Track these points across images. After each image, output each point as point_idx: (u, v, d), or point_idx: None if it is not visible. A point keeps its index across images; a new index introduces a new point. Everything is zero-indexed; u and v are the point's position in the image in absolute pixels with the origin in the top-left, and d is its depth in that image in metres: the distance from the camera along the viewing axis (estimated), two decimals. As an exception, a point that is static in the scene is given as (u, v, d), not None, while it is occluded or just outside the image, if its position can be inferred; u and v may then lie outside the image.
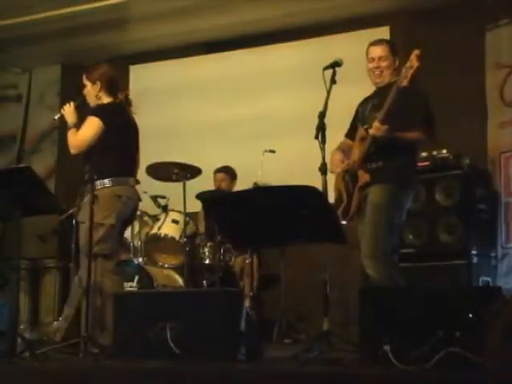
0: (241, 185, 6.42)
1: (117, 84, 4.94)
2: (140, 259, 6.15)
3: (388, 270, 4.26)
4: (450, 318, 3.13)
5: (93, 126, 4.68)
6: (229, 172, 6.71)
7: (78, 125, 4.74)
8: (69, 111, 4.79)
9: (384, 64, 4.56)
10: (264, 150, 6.24)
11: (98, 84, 4.82)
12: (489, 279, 5.73)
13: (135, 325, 3.79)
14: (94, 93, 4.84)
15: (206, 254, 6.20)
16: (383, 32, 7.07)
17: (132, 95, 8.19)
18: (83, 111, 4.85)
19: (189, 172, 5.96)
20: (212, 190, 6.37)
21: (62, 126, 8.33)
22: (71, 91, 8.31)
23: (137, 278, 5.91)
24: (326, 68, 4.33)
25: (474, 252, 5.59)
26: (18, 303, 4.66)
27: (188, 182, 5.95)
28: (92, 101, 4.87)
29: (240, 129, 7.49)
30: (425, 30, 6.72)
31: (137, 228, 6.20)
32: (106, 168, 4.64)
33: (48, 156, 8.40)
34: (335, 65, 4.33)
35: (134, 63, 8.22)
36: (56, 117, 4.93)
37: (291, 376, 3.15)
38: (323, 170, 4.15)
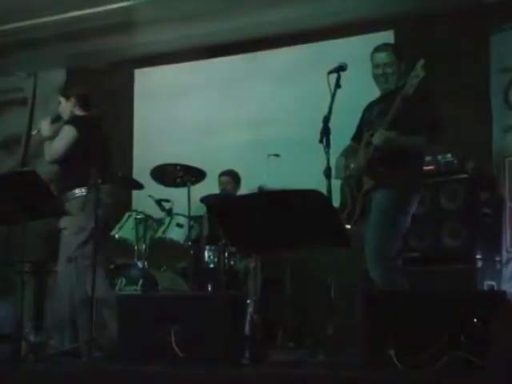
0: (245, 189, 6.42)
1: (90, 100, 5.26)
2: (144, 263, 6.14)
3: (392, 274, 4.26)
4: (454, 322, 3.12)
5: (66, 134, 4.97)
6: (233, 175, 6.71)
7: (53, 137, 5.07)
8: (44, 126, 5.11)
9: (390, 70, 4.57)
10: (268, 153, 6.24)
11: (72, 100, 5.14)
12: (493, 283, 5.71)
13: (139, 328, 3.79)
14: (68, 108, 5.15)
15: (211, 257, 6.20)
16: (388, 36, 7.06)
17: (136, 99, 8.29)
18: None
19: (193, 175, 5.96)
20: (216, 194, 6.37)
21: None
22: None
23: (141, 281, 5.91)
24: (330, 72, 4.33)
25: (478, 256, 5.58)
26: (22, 306, 4.67)
27: (192, 185, 5.96)
28: (66, 115, 5.16)
29: (244, 132, 7.49)
30: (429, 33, 6.72)
31: (141, 232, 6.21)
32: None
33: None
34: (340, 69, 4.33)
35: (138, 67, 8.23)
36: (33, 132, 5.35)
37: (295, 380, 3.15)
38: (327, 173, 4.15)
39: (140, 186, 6.31)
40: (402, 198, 4.37)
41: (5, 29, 7.46)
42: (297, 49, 7.48)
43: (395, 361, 3.10)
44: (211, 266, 6.18)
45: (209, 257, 6.20)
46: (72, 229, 4.89)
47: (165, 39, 7.62)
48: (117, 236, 6.15)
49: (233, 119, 7.60)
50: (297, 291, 5.61)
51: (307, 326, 5.49)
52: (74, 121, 5.03)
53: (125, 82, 8.16)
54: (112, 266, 5.91)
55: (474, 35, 6.56)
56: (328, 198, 4.00)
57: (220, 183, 6.69)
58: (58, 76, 8.50)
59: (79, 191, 4.91)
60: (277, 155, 6.24)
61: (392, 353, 3.12)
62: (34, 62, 8.26)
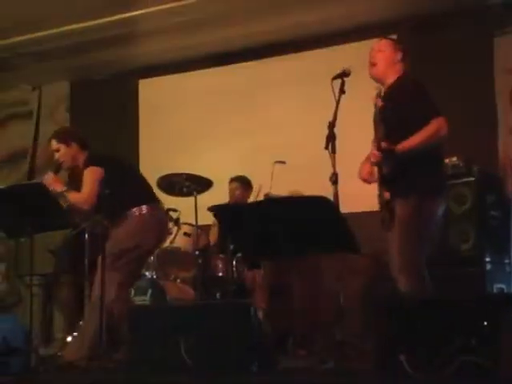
0: (252, 196, 6.43)
1: (86, 139, 5.03)
2: (153, 273, 6.14)
3: (419, 283, 4.14)
4: (464, 325, 3.11)
5: (94, 175, 4.74)
6: (243, 181, 6.70)
7: (70, 186, 4.81)
8: (53, 181, 4.76)
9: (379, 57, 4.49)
10: (274, 160, 6.24)
11: (73, 145, 4.91)
12: (503, 286, 5.70)
13: (149, 338, 3.79)
14: (71, 154, 4.91)
15: (219, 266, 6.20)
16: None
17: (142, 109, 8.31)
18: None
19: (200, 184, 5.97)
20: (224, 204, 6.37)
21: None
22: (80, 107, 8.43)
23: (150, 291, 5.90)
24: (334, 78, 4.32)
25: (487, 259, 5.57)
26: (31, 319, 4.68)
27: (199, 194, 5.96)
28: (69, 162, 4.94)
29: (250, 140, 7.50)
30: (432, 36, 6.72)
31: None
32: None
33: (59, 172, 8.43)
34: (343, 75, 4.32)
35: (143, 77, 8.25)
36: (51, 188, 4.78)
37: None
38: (334, 180, 4.13)
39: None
40: (421, 204, 4.23)
41: (9, 42, 7.49)
42: (301, 55, 7.49)
43: (406, 366, 3.08)
44: (220, 274, 6.18)
45: (217, 265, 6.19)
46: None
47: (169, 49, 7.64)
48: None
49: (238, 127, 7.61)
50: (306, 298, 5.60)
51: (317, 333, 5.48)
52: (92, 161, 4.84)
53: (129, 93, 8.18)
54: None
55: (477, 37, 6.56)
56: (335, 204, 3.99)
57: (230, 189, 6.68)
58: (62, 88, 8.54)
59: (137, 210, 4.84)
60: (282, 162, 6.24)
61: (403, 358, 3.11)
62: (38, 74, 8.30)
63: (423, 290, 4.10)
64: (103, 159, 4.89)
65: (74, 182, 4.89)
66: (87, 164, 4.83)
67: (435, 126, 4.16)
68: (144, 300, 5.84)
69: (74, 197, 4.72)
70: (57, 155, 4.94)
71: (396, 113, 4.23)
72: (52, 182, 4.74)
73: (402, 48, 4.52)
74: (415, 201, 4.19)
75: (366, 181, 4.48)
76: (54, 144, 4.95)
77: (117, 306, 4.59)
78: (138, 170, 5.19)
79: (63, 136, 4.96)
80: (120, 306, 4.60)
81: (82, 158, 4.92)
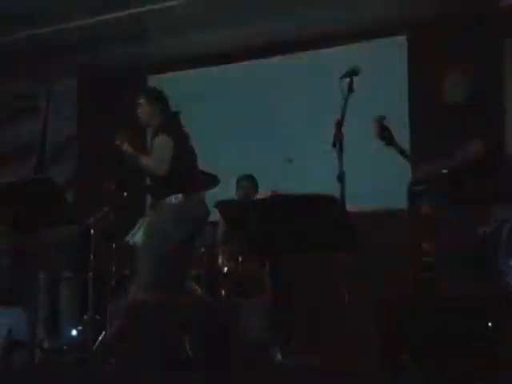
0: (259, 194, 6.43)
1: (168, 101, 5.02)
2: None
3: None
4: (467, 325, 3.10)
5: (166, 145, 4.76)
6: (253, 180, 6.72)
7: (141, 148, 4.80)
8: (128, 141, 4.79)
9: None
10: (282, 159, 6.24)
11: (156, 105, 4.93)
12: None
13: (151, 335, 3.79)
14: (149, 111, 4.93)
15: (225, 262, 6.19)
16: (401, 41, 7.08)
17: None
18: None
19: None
20: (230, 199, 6.37)
21: (81, 137, 8.50)
22: (88, 102, 8.44)
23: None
24: (343, 76, 4.32)
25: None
26: (36, 314, 4.68)
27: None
28: (146, 121, 4.96)
29: (258, 138, 7.49)
30: (443, 38, 6.70)
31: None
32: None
33: (67, 167, 8.45)
34: (352, 73, 4.32)
35: (151, 74, 8.24)
36: (124, 148, 4.83)
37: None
38: (341, 178, 4.13)
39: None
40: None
41: (18, 37, 7.51)
42: (311, 54, 7.48)
43: (409, 366, 3.08)
44: (225, 270, 6.18)
45: (222, 262, 6.19)
46: (162, 235, 4.77)
47: (177, 46, 7.64)
48: (130, 242, 6.15)
49: (244, 124, 7.61)
50: (309, 296, 5.60)
51: (321, 330, 5.47)
52: (165, 129, 4.86)
53: (137, 89, 8.17)
54: (126, 272, 5.90)
55: (488, 38, 6.54)
56: (341, 203, 3.99)
57: (240, 187, 6.68)
58: (70, 84, 8.55)
59: (175, 198, 4.80)
60: (290, 160, 6.24)
61: (405, 357, 3.10)
62: (46, 69, 8.31)
63: None
64: (179, 133, 4.88)
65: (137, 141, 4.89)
66: (163, 130, 4.82)
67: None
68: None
69: (148, 161, 4.75)
70: (138, 111, 4.96)
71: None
72: (126, 143, 4.78)
73: None
74: None
75: None
76: (140, 99, 4.98)
77: None
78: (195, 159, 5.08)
79: (150, 94, 5.00)
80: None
81: (158, 120, 4.92)
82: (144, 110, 4.96)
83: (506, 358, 2.96)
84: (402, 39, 7.07)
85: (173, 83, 8.06)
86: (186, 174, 4.85)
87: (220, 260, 6.20)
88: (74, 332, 5.63)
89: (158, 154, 4.76)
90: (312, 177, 6.66)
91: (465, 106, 4.56)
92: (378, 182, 6.63)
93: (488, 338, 3.03)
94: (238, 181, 6.70)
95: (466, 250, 4.27)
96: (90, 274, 5.27)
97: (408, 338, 3.21)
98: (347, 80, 4.31)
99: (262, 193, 6.05)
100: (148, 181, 5.07)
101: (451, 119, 4.60)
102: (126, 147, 4.75)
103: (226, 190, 6.56)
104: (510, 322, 3.04)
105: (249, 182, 6.68)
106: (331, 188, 4.06)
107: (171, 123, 4.94)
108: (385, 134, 4.55)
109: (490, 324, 3.06)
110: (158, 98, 4.99)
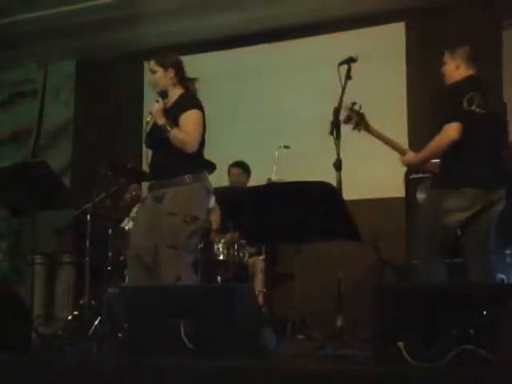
0: (255, 181, 6.42)
1: (186, 72, 4.78)
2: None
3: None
4: (463, 315, 3.10)
5: (197, 119, 4.62)
6: (244, 167, 6.72)
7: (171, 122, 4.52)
8: (160, 111, 4.54)
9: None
10: (278, 145, 6.23)
11: (171, 71, 4.68)
12: (504, 276, 5.69)
13: (147, 320, 3.78)
14: (166, 80, 4.67)
15: (220, 249, 6.19)
16: (399, 28, 7.06)
17: (146, 90, 8.26)
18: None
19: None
20: (226, 186, 6.37)
21: (78, 122, 8.48)
22: (86, 87, 8.41)
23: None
24: (341, 64, 4.32)
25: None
26: (32, 298, 4.69)
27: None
28: (161, 87, 4.68)
29: (254, 125, 7.48)
30: (441, 25, 6.69)
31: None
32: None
33: (63, 151, 8.44)
34: (350, 60, 4.32)
35: (148, 59, 8.20)
36: (148, 118, 4.62)
37: (304, 373, 3.14)
38: (338, 165, 4.13)
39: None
40: None
41: (15, 20, 7.47)
42: (308, 40, 7.46)
43: (404, 354, 3.08)
44: (221, 258, 6.18)
45: (218, 249, 6.19)
46: (183, 217, 4.45)
47: (176, 31, 7.61)
48: (127, 228, 6.14)
49: (242, 110, 7.59)
50: (307, 284, 5.60)
51: (317, 319, 5.48)
52: (194, 103, 4.66)
53: (135, 74, 8.15)
54: (122, 258, 5.90)
55: (486, 27, 6.53)
56: (338, 190, 3.99)
57: (230, 174, 6.69)
58: (68, 68, 8.53)
59: (190, 178, 4.53)
60: (287, 147, 6.23)
61: (401, 346, 3.10)
62: (44, 53, 8.28)
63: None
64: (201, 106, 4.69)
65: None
66: (192, 103, 4.65)
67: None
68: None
69: (179, 135, 4.50)
70: (152, 77, 4.74)
71: None
72: (159, 111, 4.55)
73: None
74: None
75: None
76: (153, 65, 4.73)
77: None
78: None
79: (163, 58, 4.74)
80: None
81: (175, 89, 4.70)
82: (158, 76, 4.69)
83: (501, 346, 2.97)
84: (400, 25, 7.05)
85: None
86: (202, 153, 4.73)
87: (215, 247, 6.20)
88: (70, 317, 5.65)
89: (193, 129, 4.56)
90: (309, 164, 6.66)
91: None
92: (375, 170, 6.62)
93: (482, 326, 3.03)
94: (229, 167, 6.70)
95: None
96: (87, 259, 5.24)
97: (405, 326, 3.21)
98: (345, 67, 4.30)
99: (259, 180, 6.03)
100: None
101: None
102: (161, 120, 4.49)
103: (223, 177, 6.57)
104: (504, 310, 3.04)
105: (237, 168, 6.68)
106: (329, 176, 4.06)
107: (195, 96, 4.76)
108: (351, 118, 4.52)
109: (484, 312, 3.06)
110: (176, 67, 4.72)
